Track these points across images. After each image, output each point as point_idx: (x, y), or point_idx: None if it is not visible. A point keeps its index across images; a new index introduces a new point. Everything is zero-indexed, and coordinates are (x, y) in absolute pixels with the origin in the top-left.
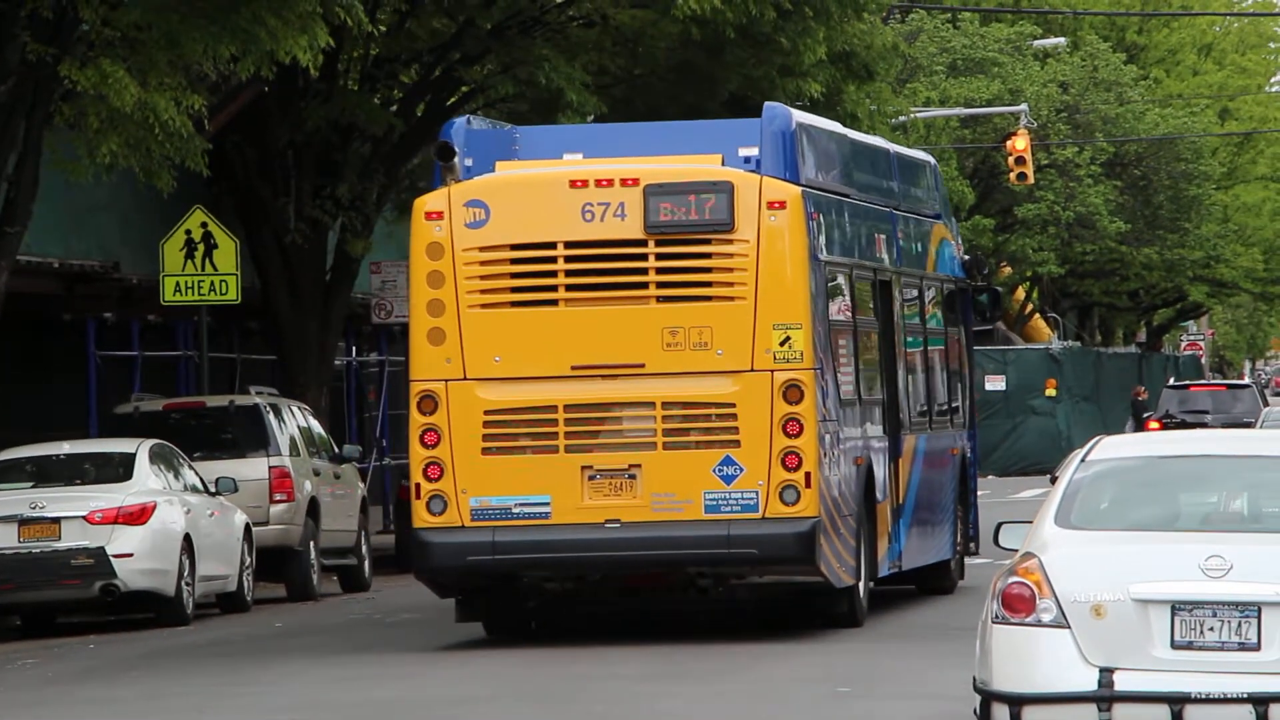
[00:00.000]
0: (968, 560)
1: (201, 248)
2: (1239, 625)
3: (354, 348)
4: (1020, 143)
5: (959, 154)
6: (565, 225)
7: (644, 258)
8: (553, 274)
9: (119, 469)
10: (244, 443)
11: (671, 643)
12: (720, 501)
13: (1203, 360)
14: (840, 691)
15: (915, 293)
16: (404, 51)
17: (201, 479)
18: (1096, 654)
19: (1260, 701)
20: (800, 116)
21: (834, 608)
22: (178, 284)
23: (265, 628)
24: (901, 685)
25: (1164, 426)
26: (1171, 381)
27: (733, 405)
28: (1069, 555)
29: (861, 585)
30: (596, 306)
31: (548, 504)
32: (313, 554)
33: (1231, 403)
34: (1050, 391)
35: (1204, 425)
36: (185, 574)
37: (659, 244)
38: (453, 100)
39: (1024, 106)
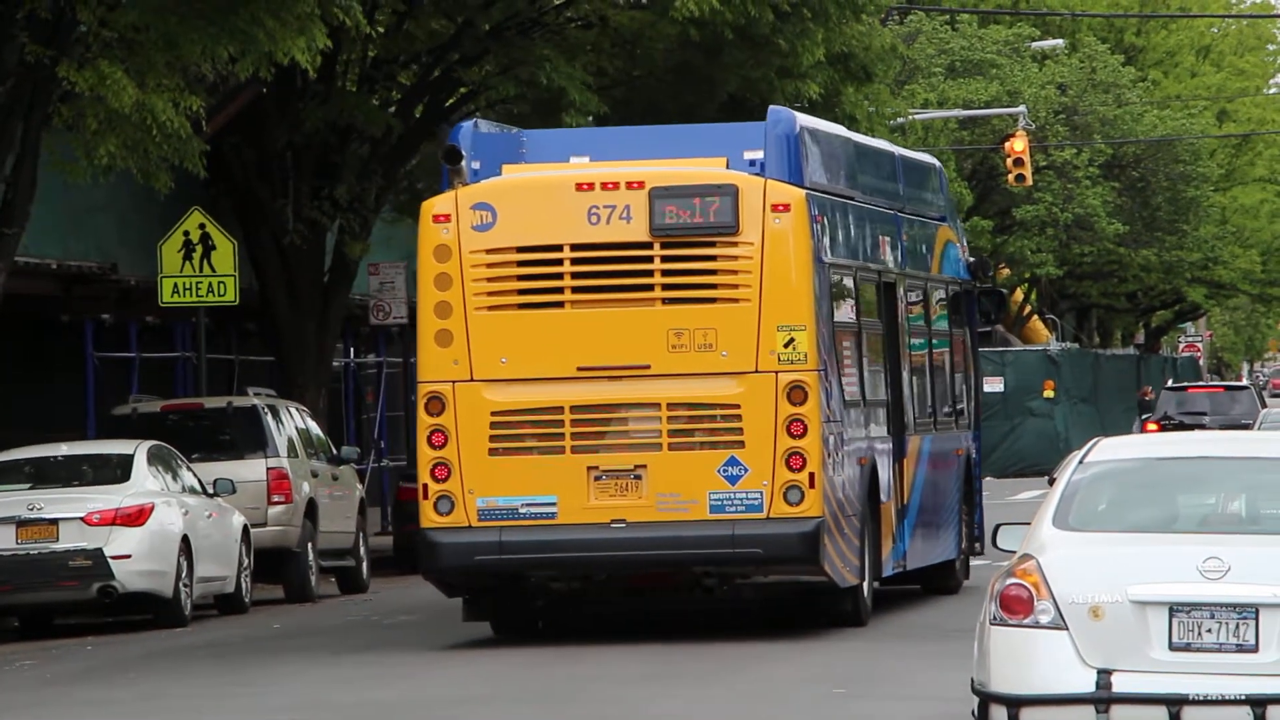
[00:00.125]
0: (972, 560)
1: (200, 249)
2: (1237, 627)
3: (352, 349)
4: (1018, 144)
5: (957, 155)
6: (571, 228)
7: (649, 260)
8: (559, 276)
9: (117, 470)
10: (242, 444)
11: (674, 642)
12: (725, 501)
13: (1201, 362)
14: (837, 693)
15: (920, 294)
16: (402, 53)
17: (199, 480)
18: (1094, 655)
19: (1258, 703)
20: (804, 120)
21: (838, 607)
22: (176, 285)
23: (263, 629)
24: (901, 686)
25: (1162, 428)
26: (1169, 383)
27: (737, 406)
28: (1067, 557)
29: (866, 585)
30: (602, 308)
31: (554, 504)
32: (311, 555)
33: (1229, 404)
34: (1048, 393)
35: (1202, 427)
36: (183, 575)
37: (664, 246)
38: (451, 101)
39: (1022, 108)
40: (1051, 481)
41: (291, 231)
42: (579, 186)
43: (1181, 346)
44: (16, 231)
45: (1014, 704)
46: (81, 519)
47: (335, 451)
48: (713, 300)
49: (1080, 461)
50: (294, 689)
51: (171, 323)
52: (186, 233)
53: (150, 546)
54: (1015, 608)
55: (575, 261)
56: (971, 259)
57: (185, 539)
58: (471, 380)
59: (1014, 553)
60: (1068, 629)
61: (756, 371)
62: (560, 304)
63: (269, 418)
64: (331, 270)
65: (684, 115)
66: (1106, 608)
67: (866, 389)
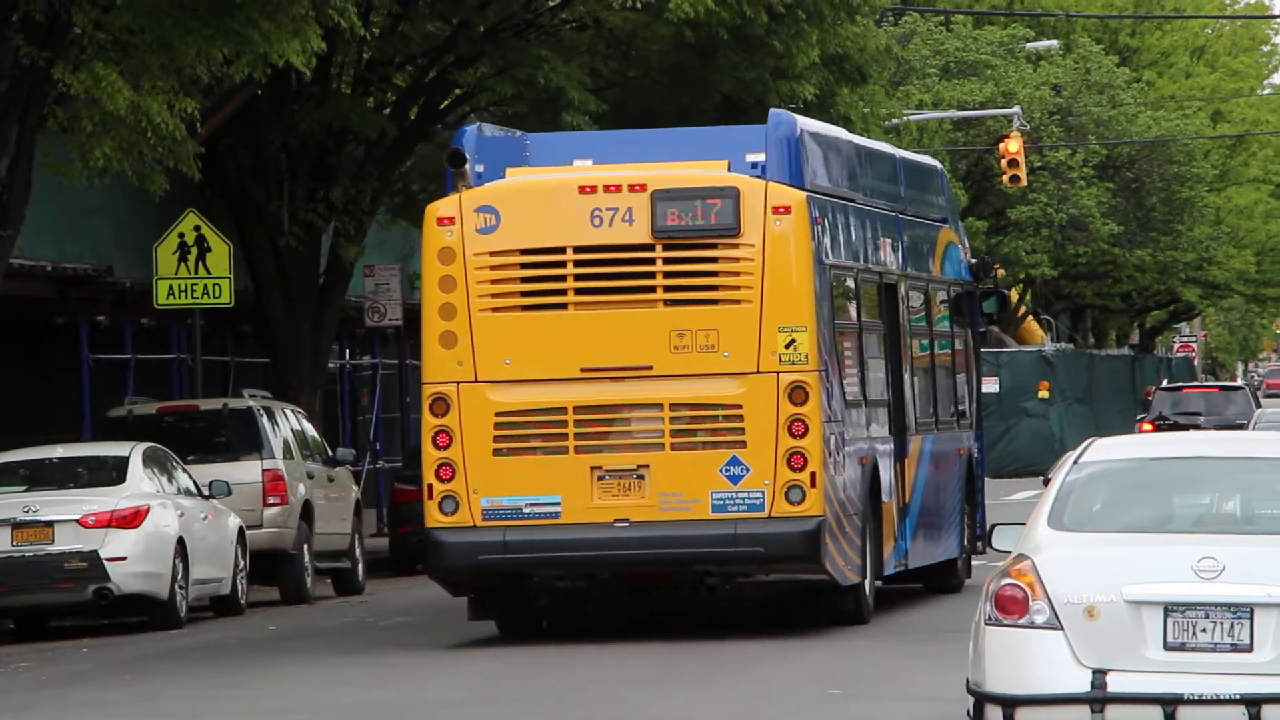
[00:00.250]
0: (974, 560)
1: (195, 251)
2: (1231, 626)
3: (347, 351)
4: (1013, 145)
5: (952, 156)
6: (574, 230)
7: (651, 262)
8: (562, 278)
9: (112, 472)
10: (237, 446)
11: (677, 641)
12: (727, 501)
13: (1195, 362)
14: (833, 693)
15: (921, 295)
16: (397, 54)
17: (195, 482)
18: (1089, 655)
19: (1253, 703)
20: (805, 123)
21: (840, 605)
22: (171, 287)
23: (259, 631)
24: (901, 685)
25: (1157, 428)
26: (1164, 383)
27: (739, 406)
28: (1062, 557)
29: (867, 583)
30: (605, 310)
31: (558, 504)
32: (306, 557)
33: (1224, 404)
34: (1043, 393)
35: (1196, 427)
36: (178, 577)
37: (666, 248)
38: (446, 103)
39: (1017, 109)
40: (1046, 482)
41: (287, 233)
42: (582, 189)
43: (1176, 347)
44: (12, 234)
45: (1009, 704)
46: (77, 521)
47: (331, 453)
48: (714, 302)
49: (1075, 462)
50: (290, 690)
51: (167, 325)
52: (181, 235)
53: (146, 548)
54: (1010, 608)
55: (578, 263)
56: (973, 260)
57: (181, 541)
58: (476, 381)
59: (1009, 553)
60: (1063, 629)
61: (758, 372)
62: (563, 305)
63: (264, 419)
64: (327, 272)
65: (679, 116)
66: (1101, 608)
67: (868, 389)
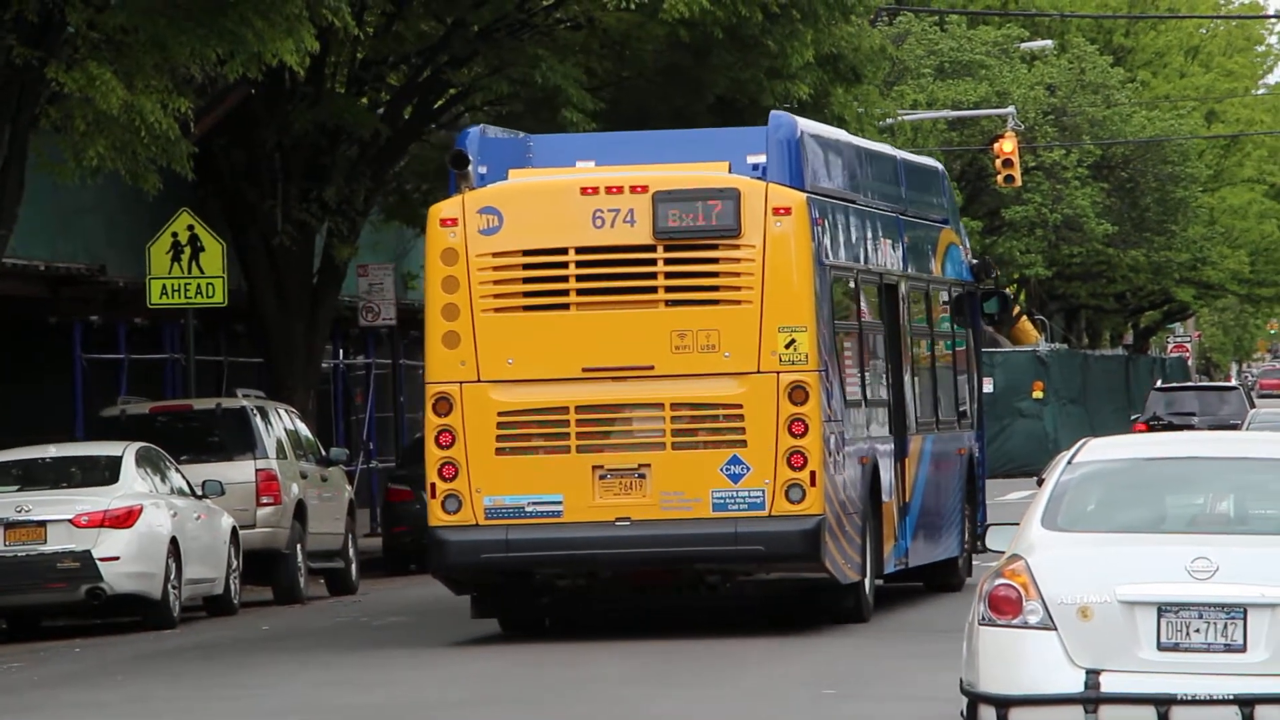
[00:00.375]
0: (975, 558)
1: (188, 250)
2: (1225, 627)
3: (341, 350)
4: (1007, 145)
5: (946, 156)
6: (576, 231)
7: (653, 263)
8: (564, 279)
9: (105, 472)
10: (231, 445)
11: (676, 639)
12: (728, 500)
13: (1189, 362)
14: (826, 693)
15: (922, 296)
16: (391, 54)
17: (188, 482)
18: (1083, 656)
19: (1246, 703)
20: (806, 124)
21: (840, 604)
22: (164, 287)
23: (252, 631)
24: (897, 685)
25: (1150, 428)
26: (1159, 384)
27: (739, 406)
28: (1056, 557)
29: (867, 582)
30: (607, 310)
31: (560, 503)
32: (300, 557)
33: (1218, 405)
34: (1037, 394)
35: (1190, 427)
36: (172, 577)
37: (667, 249)
38: (440, 103)
39: (1011, 109)
40: (1040, 482)
41: (280, 233)
42: (584, 191)
43: (1170, 347)
44: (4, 233)
45: (1002, 704)
46: (70, 521)
47: (324, 453)
48: (715, 302)
49: (1069, 462)
50: (284, 691)
51: (160, 324)
52: (175, 234)
53: (139, 548)
54: (1004, 608)
55: (580, 264)
56: (975, 260)
57: (174, 541)
58: (478, 381)
59: (1003, 553)
60: (1056, 629)
61: (758, 372)
62: (565, 306)
63: (258, 419)
64: (320, 272)
65: (673, 116)
66: (1095, 608)
67: (868, 389)
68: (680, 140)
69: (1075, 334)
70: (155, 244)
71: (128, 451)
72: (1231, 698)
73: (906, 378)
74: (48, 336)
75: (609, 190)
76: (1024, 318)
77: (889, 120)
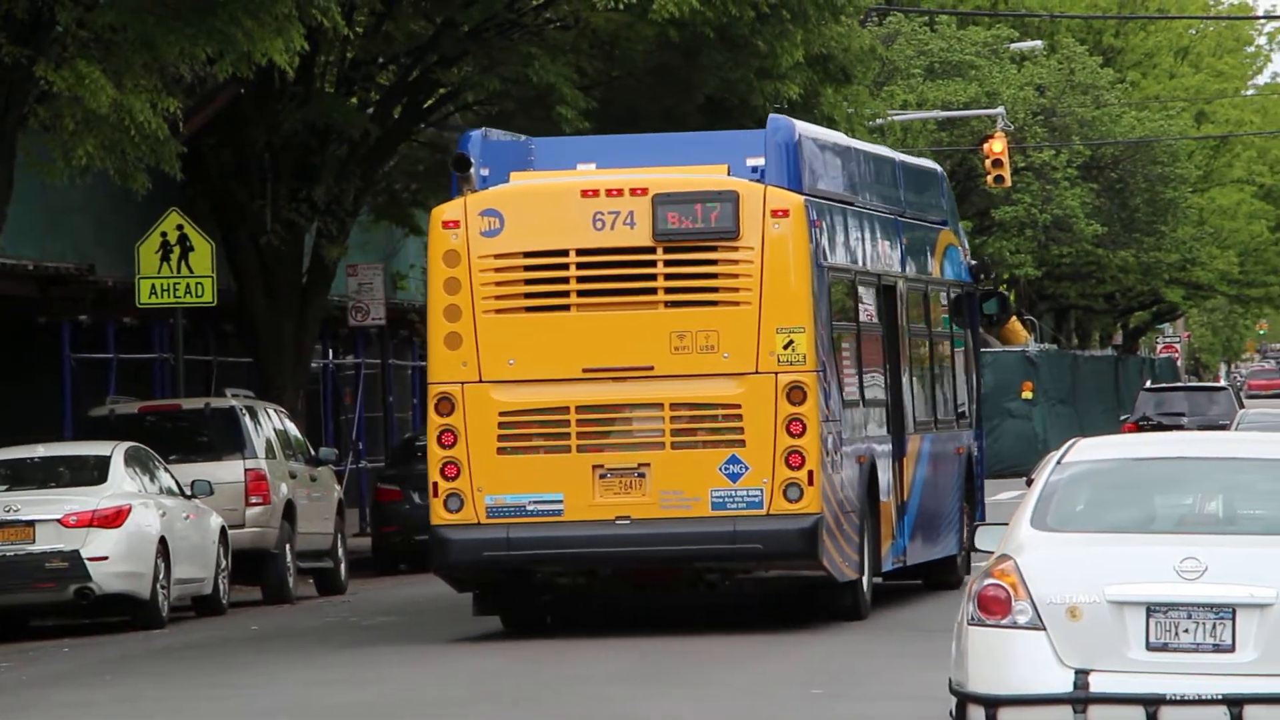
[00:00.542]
0: (973, 557)
1: (177, 250)
2: (1214, 627)
3: (330, 350)
4: (997, 145)
5: (936, 157)
6: (577, 233)
7: (653, 264)
8: (565, 280)
9: (94, 472)
10: (220, 445)
11: (673, 637)
12: (726, 499)
13: (1179, 363)
14: (814, 693)
15: (920, 296)
16: (381, 54)
17: (177, 482)
18: (1072, 656)
19: (1235, 703)
20: (804, 128)
21: (838, 601)
22: (153, 286)
23: (241, 631)
24: (889, 684)
25: (1140, 429)
26: (1148, 384)
27: (738, 406)
28: (1045, 557)
29: (865, 580)
30: (607, 311)
31: (560, 502)
32: (288, 557)
33: (1207, 405)
34: (1027, 394)
35: (1180, 427)
36: (160, 577)
37: (667, 251)
38: (430, 103)
39: (1001, 109)
40: (1029, 482)
41: (269, 233)
42: (584, 193)
43: (1159, 347)
44: None
45: (991, 704)
46: (58, 520)
47: (313, 453)
48: (714, 303)
49: (1058, 462)
50: (273, 690)
51: (149, 324)
52: (164, 234)
53: (127, 548)
54: (993, 608)
55: (580, 266)
56: (973, 261)
57: (163, 540)
58: (480, 381)
59: (992, 553)
60: (1045, 629)
61: (757, 372)
62: (566, 307)
63: (247, 419)
64: (309, 271)
65: (663, 116)
66: (1084, 608)
67: (866, 389)
68: (680, 143)
69: (1065, 334)
70: (144, 243)
71: (116, 451)
72: (1220, 698)
73: (905, 378)
74: (36, 336)
75: (609, 193)
76: (1013, 318)
77: (879, 121)
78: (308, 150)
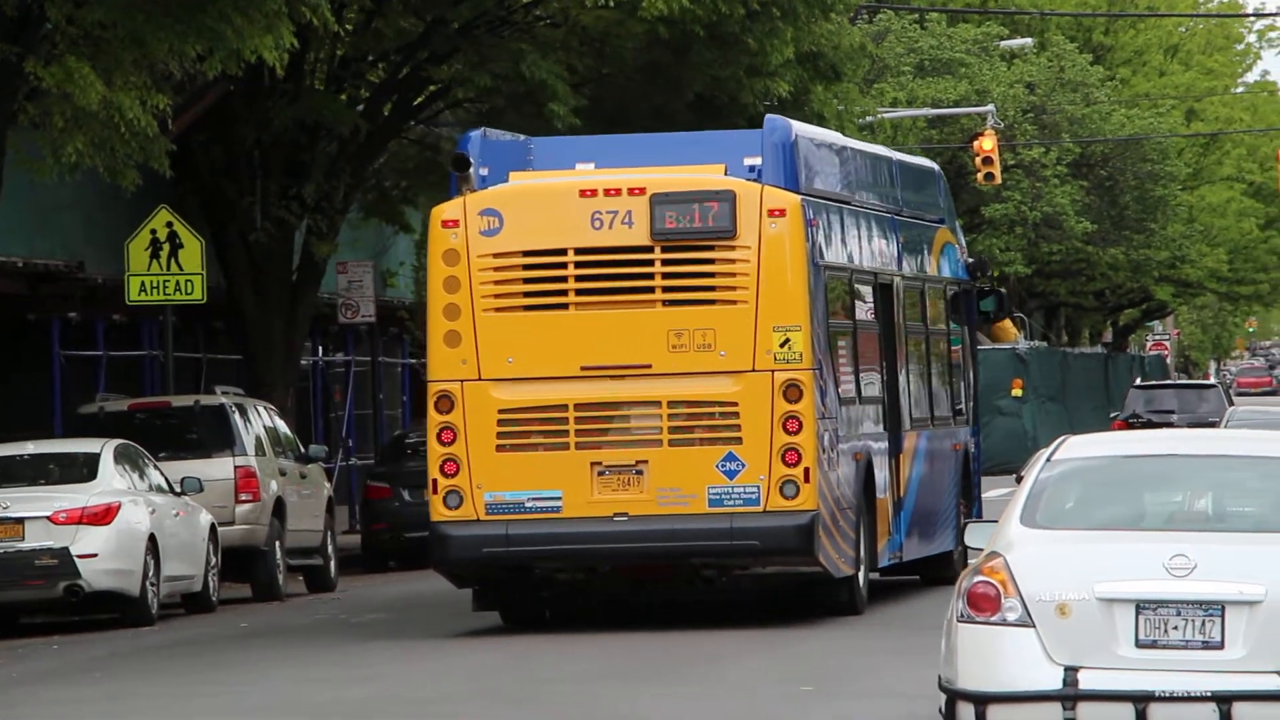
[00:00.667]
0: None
1: (167, 247)
2: (1203, 624)
3: (320, 347)
4: (987, 143)
5: (926, 154)
6: (575, 233)
7: (650, 263)
8: (563, 279)
9: (83, 469)
10: (209, 443)
11: (668, 632)
12: (723, 495)
13: (1168, 360)
14: (804, 689)
15: (916, 294)
16: (371, 51)
17: (167, 479)
18: (1061, 653)
19: (1224, 700)
20: (801, 128)
21: (834, 597)
22: (143, 283)
23: (231, 628)
24: (880, 681)
25: (1129, 426)
26: (1137, 381)
27: (735, 404)
28: (1034, 554)
29: (861, 576)
30: (605, 310)
31: (559, 498)
32: (278, 554)
33: (1197, 402)
34: (1016, 391)
35: (1169, 425)
36: (150, 574)
37: (665, 250)
38: (420, 100)
39: (991, 107)
40: (1019, 479)
41: (259, 230)
42: (582, 193)
43: (1149, 345)
44: None
45: (981, 701)
46: (48, 518)
47: (303, 450)
48: (711, 302)
49: (1048, 459)
50: (263, 687)
51: (139, 321)
52: (154, 231)
53: (117, 545)
54: (983, 605)
55: (579, 265)
56: (970, 259)
57: (152, 538)
58: (479, 379)
59: (982, 550)
60: (1035, 626)
61: (753, 370)
62: (564, 306)
63: (236, 416)
64: (299, 269)
65: (653, 114)
66: (1073, 605)
67: (862, 387)
68: (678, 143)
69: (1054, 332)
70: (134, 241)
71: (106, 448)
72: (1209, 695)
73: (901, 375)
74: (26, 333)
75: (607, 192)
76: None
77: (869, 118)
78: (297, 147)
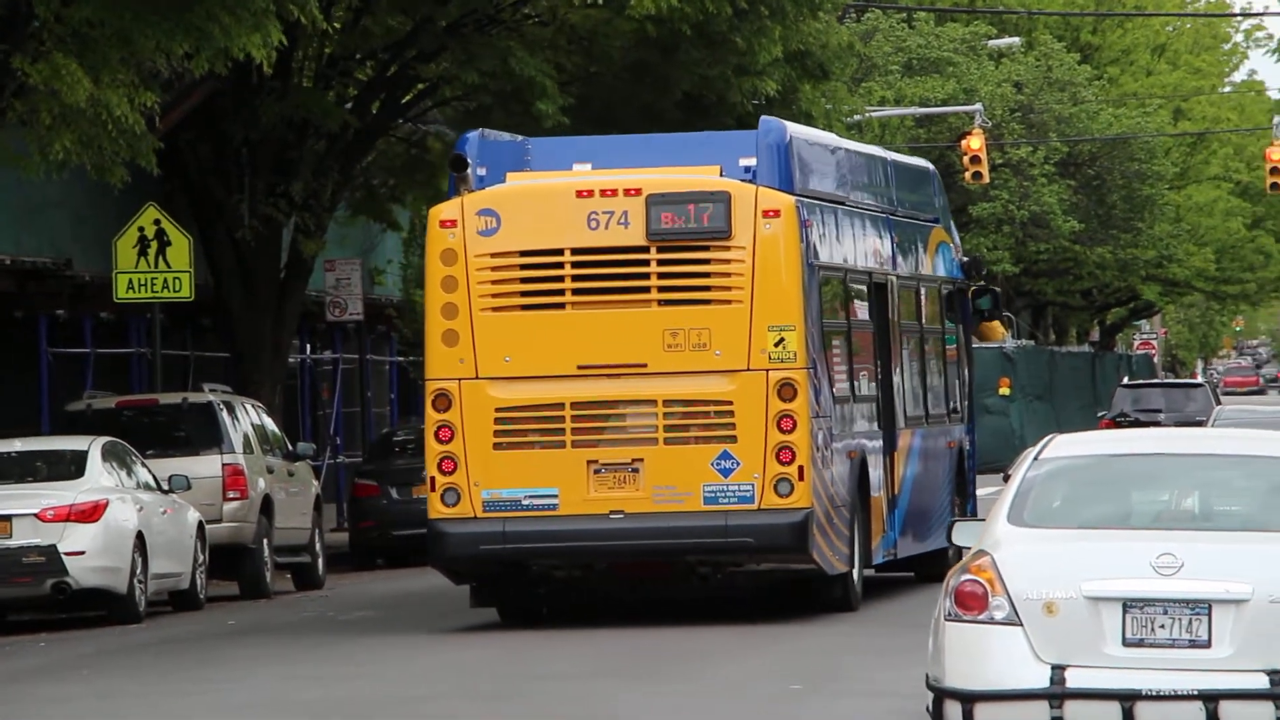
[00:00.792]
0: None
1: (155, 245)
2: (1190, 623)
3: (308, 345)
4: (975, 142)
5: (914, 153)
6: (572, 233)
7: (646, 264)
8: (560, 279)
9: (71, 467)
10: (197, 440)
11: (663, 628)
12: (718, 493)
13: (1155, 359)
14: (793, 688)
15: (911, 293)
16: (359, 49)
17: (154, 476)
18: (1048, 651)
19: (1210, 698)
20: (795, 129)
21: (828, 594)
22: (130, 281)
23: (218, 626)
24: (870, 678)
25: (1116, 425)
26: (1125, 380)
27: (730, 403)
28: (1021, 553)
29: (855, 573)
30: (601, 310)
31: (555, 496)
32: (266, 552)
33: (1184, 401)
34: (1004, 390)
35: (1156, 424)
36: (137, 572)
37: (660, 250)
38: (408, 98)
39: (978, 106)
40: (1006, 478)
41: (247, 228)
42: (579, 193)
43: (1136, 344)
44: None
45: (968, 699)
46: (35, 515)
47: (291, 448)
48: (706, 302)
49: (1035, 458)
50: (251, 685)
51: (126, 318)
52: (141, 228)
53: (104, 543)
54: (970, 603)
55: (575, 265)
56: (965, 259)
57: (140, 535)
58: (477, 378)
59: (969, 549)
60: (1022, 625)
61: (748, 370)
62: (561, 305)
63: (224, 414)
64: (287, 267)
65: (641, 113)
66: (1061, 604)
67: (857, 386)
68: (674, 144)
69: (1042, 330)
70: (121, 238)
71: (94, 446)
72: (1196, 693)
73: (896, 374)
74: (13, 331)
75: (603, 193)
76: None
77: (857, 117)
78: (285, 145)
